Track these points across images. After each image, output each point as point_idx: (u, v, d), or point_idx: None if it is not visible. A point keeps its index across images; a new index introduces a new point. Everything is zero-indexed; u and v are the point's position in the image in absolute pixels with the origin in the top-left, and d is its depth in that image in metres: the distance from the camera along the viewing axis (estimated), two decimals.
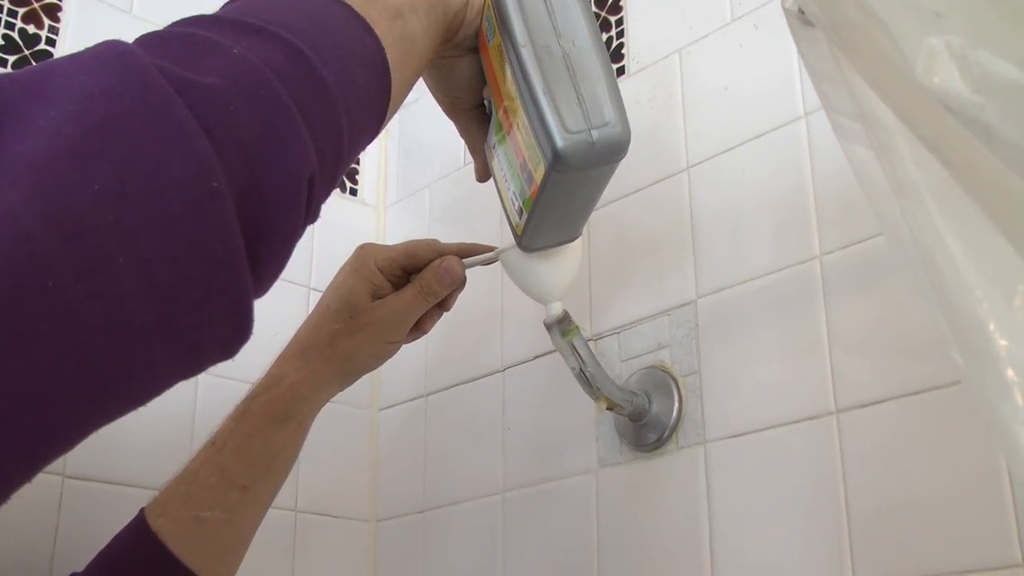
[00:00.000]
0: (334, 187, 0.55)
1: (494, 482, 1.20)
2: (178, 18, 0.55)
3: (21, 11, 1.20)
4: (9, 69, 1.17)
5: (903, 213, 0.47)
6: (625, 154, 0.72)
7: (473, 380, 1.27)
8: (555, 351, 1.02)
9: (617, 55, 1.22)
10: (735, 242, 1.04)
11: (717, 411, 1.01)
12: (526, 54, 0.69)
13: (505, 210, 0.86)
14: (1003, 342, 0.43)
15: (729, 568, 0.96)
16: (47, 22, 1.21)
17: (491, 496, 1.20)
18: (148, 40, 0.48)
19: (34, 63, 1.19)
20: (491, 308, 1.26)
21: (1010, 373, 0.42)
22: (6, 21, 1.19)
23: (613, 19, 1.24)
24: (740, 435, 0.99)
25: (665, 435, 1.04)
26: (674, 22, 1.17)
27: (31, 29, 1.20)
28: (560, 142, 0.69)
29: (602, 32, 1.24)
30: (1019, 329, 0.43)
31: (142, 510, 0.88)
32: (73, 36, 1.23)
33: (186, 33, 0.48)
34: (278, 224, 0.46)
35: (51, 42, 1.21)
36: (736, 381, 1.00)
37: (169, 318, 0.42)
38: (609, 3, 1.25)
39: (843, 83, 0.51)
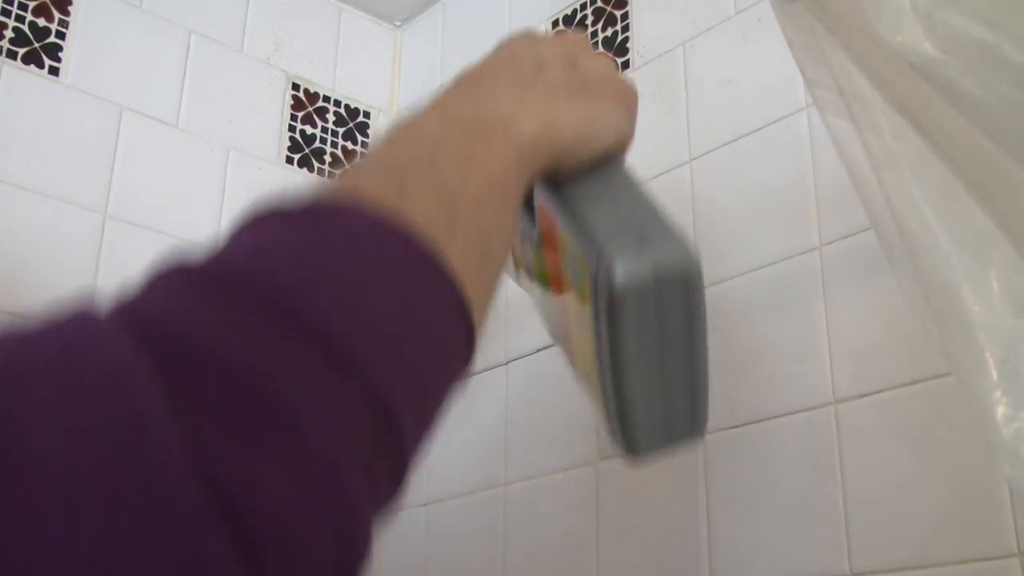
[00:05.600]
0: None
1: (496, 475, 1.20)
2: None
3: (31, 4, 1.21)
4: (19, 62, 1.18)
5: (881, 183, 0.47)
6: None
7: (476, 373, 1.27)
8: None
9: (622, 49, 1.22)
10: (736, 233, 1.04)
11: (717, 402, 1.00)
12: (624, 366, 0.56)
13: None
14: (976, 308, 0.43)
15: (727, 558, 0.96)
16: (57, 15, 1.23)
17: (493, 489, 1.20)
18: (172, 357, 0.30)
19: (44, 56, 1.20)
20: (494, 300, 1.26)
21: (982, 337, 0.42)
22: (16, 14, 1.20)
23: (618, 13, 1.24)
24: (739, 426, 0.98)
25: None
26: (678, 15, 1.17)
27: (41, 22, 1.21)
28: (637, 456, 0.59)
29: (607, 27, 1.24)
30: (992, 295, 0.43)
31: None
32: (83, 29, 1.24)
33: (235, 374, 0.31)
34: None
35: (61, 35, 1.22)
36: (735, 371, 1.00)
37: None
38: None
39: (821, 55, 0.51)
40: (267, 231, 0.38)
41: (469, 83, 0.53)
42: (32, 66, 1.19)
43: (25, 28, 1.20)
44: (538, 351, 1.20)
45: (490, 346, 1.26)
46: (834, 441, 0.91)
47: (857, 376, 0.91)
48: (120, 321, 0.31)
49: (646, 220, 0.55)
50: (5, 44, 1.18)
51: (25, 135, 1.17)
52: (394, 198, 0.41)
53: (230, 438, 0.29)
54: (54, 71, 1.21)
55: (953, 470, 0.84)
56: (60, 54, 1.22)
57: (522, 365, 1.22)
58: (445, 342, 0.41)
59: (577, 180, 0.56)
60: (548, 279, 0.63)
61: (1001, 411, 0.43)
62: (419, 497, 1.29)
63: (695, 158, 1.10)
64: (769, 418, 0.96)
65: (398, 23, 1.57)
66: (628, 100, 0.60)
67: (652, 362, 0.55)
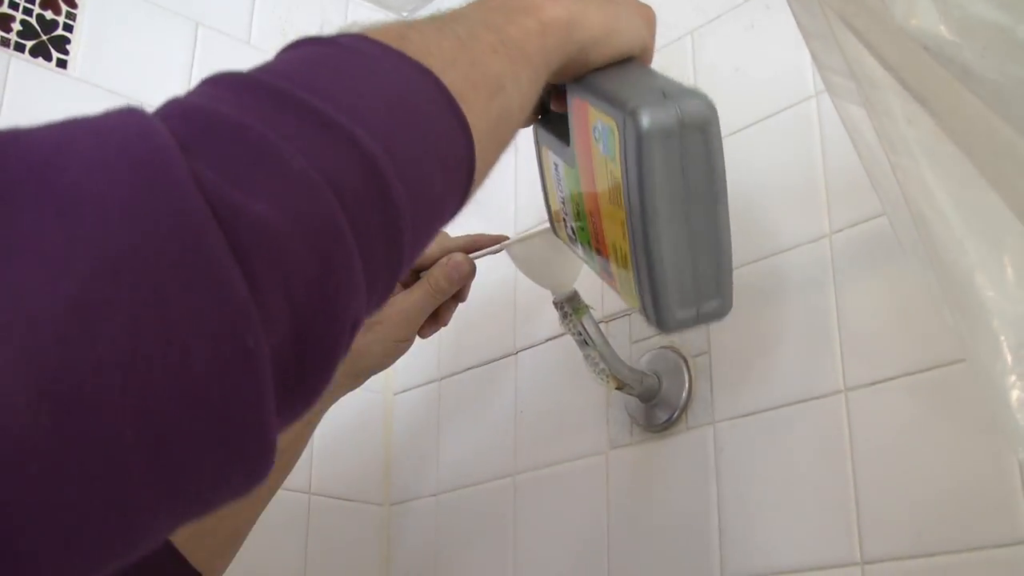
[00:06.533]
0: (381, 307, 0.47)
1: (506, 465, 1.20)
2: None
3: None
4: (27, 55, 1.18)
5: (894, 169, 0.47)
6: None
7: (486, 363, 1.27)
8: (567, 333, 1.02)
9: None
10: (745, 222, 1.04)
11: (727, 391, 1.01)
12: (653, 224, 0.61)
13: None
14: (990, 293, 0.43)
15: (738, 547, 0.96)
16: (64, 8, 1.23)
17: (503, 479, 1.20)
18: (190, 121, 0.38)
19: (52, 49, 1.20)
20: (504, 292, 1.26)
21: (996, 323, 0.42)
22: (24, 7, 1.20)
23: None
24: (749, 414, 0.98)
25: (675, 415, 1.04)
26: (686, 4, 1.17)
27: (48, 15, 1.21)
28: (669, 324, 0.66)
29: None
30: (1006, 280, 0.43)
31: None
32: (90, 22, 1.24)
33: (239, 126, 0.39)
34: (313, 381, 0.39)
35: (68, 28, 1.22)
36: (746, 360, 1.00)
37: (178, 493, 0.34)
38: None
39: (833, 40, 0.51)
40: (291, 51, 0.47)
41: None
42: (40, 59, 1.19)
43: (33, 21, 1.20)
44: (548, 340, 1.20)
45: (500, 336, 1.26)
46: (844, 429, 0.91)
47: (867, 364, 0.91)
48: (159, 108, 0.39)
49: (668, 84, 0.60)
50: (13, 37, 1.18)
51: None
52: (397, 37, 0.49)
53: (230, 167, 0.37)
54: (62, 64, 1.21)
55: (964, 458, 0.83)
56: (68, 47, 1.22)
57: (532, 355, 1.22)
58: (436, 134, 0.47)
59: (604, 70, 0.62)
60: (582, 189, 0.68)
61: (1015, 396, 0.43)
62: (429, 487, 1.29)
63: None
64: (779, 406, 0.96)
65: (405, 13, 1.57)
66: (648, 17, 0.68)
67: (678, 215, 0.60)
